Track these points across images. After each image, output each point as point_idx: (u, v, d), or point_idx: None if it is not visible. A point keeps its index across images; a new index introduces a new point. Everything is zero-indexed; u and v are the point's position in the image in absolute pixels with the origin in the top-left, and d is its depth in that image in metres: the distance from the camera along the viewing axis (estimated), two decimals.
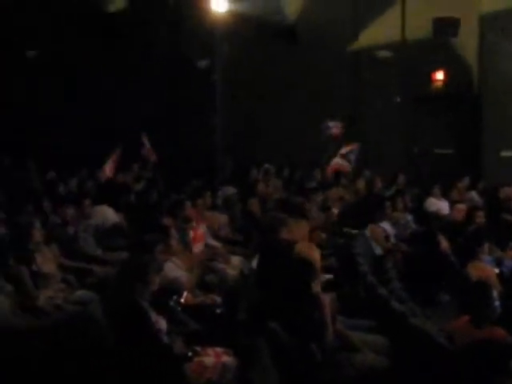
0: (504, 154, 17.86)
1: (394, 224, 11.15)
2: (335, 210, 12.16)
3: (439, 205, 13.24)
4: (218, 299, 7.68)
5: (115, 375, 5.71)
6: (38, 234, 8.17)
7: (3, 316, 6.69)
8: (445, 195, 13.74)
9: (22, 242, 7.99)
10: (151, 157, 15.23)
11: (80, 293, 7.95)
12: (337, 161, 15.67)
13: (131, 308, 5.79)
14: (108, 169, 14.51)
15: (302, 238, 7.56)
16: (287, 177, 16.75)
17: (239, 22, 17.53)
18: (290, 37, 18.59)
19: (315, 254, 6.52)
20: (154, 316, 5.97)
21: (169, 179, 15.24)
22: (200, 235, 8.92)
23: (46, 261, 8.19)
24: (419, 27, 17.46)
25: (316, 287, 6.05)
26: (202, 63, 18.95)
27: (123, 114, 19.24)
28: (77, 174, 15.65)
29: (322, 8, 18.39)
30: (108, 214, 10.86)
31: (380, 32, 17.85)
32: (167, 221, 9.21)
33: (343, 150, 15.71)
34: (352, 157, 15.76)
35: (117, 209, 11.25)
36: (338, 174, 15.31)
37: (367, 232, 10.06)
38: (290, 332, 5.75)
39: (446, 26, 17.37)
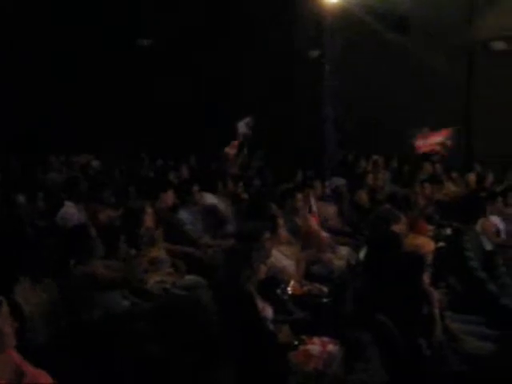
0: None
1: (505, 219, 10.88)
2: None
3: None
4: (325, 289, 7.66)
5: (219, 360, 5.75)
6: (148, 219, 8.32)
7: (113, 298, 6.82)
8: None
9: (133, 226, 8.14)
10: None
11: (188, 278, 8.04)
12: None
13: (239, 293, 5.82)
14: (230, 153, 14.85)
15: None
16: (396, 169, 16.57)
17: (350, 12, 17.37)
18: (401, 27, 18.31)
19: (427, 247, 6.42)
20: (260, 303, 5.99)
21: (277, 169, 15.29)
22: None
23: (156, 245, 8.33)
24: None
25: (426, 281, 5.96)
26: (313, 54, 18.93)
27: (236, 105, 19.48)
28: (186, 162, 15.95)
29: None
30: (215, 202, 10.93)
31: (496, 23, 17.35)
32: (275, 210, 9.21)
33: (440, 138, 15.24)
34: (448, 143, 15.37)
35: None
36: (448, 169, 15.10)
37: (478, 227, 9.83)
38: (397, 325, 5.67)
39: None
